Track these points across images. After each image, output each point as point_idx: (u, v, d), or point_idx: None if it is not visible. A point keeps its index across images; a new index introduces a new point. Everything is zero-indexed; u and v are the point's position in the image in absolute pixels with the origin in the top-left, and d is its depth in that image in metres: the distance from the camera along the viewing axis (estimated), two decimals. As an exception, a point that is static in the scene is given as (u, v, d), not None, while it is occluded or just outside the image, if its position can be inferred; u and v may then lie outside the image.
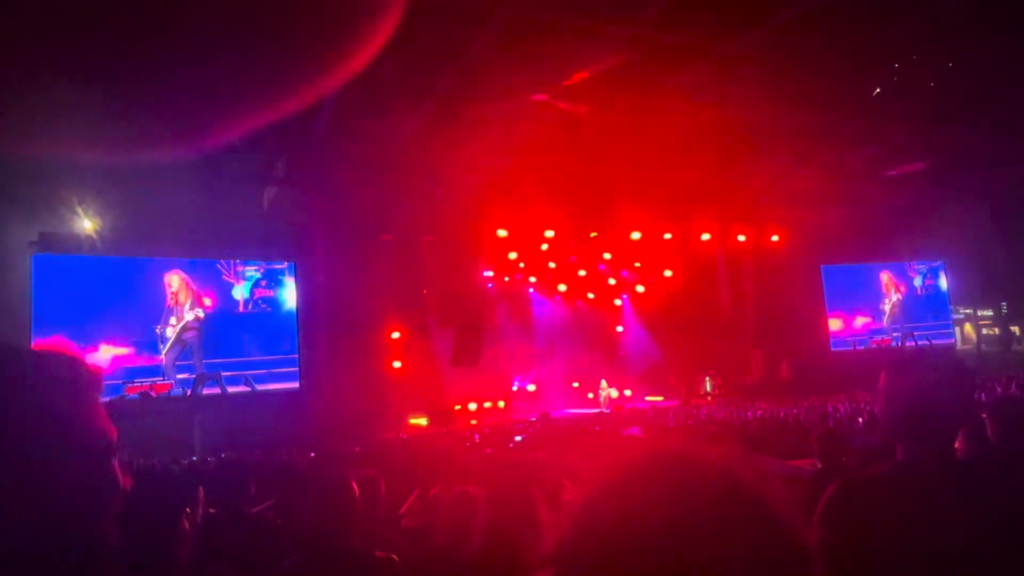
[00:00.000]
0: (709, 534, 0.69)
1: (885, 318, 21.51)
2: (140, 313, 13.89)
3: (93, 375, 0.97)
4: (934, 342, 19.97)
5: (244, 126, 10.77)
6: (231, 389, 14.17)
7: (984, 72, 11.41)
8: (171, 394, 13.72)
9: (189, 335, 14.25)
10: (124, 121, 9.76)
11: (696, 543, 0.69)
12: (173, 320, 14.18)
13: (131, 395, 13.34)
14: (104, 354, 13.38)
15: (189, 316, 14.33)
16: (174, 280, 14.34)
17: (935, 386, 1.63)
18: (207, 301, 14.58)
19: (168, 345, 14.03)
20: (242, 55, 9.28)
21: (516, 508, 2.23)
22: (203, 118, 10.30)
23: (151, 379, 13.72)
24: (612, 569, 0.69)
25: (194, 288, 14.51)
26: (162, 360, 13.97)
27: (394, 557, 2.42)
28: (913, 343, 19.95)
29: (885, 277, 21.78)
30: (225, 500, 3.18)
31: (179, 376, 13.98)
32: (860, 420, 9.03)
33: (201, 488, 2.40)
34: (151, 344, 13.92)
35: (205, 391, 11.93)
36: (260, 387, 14.58)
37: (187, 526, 2.35)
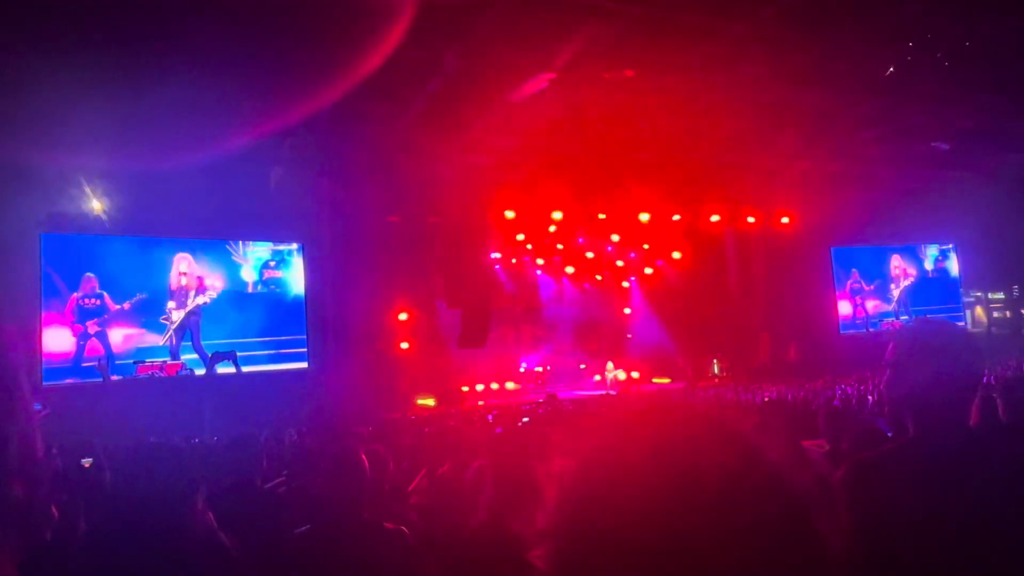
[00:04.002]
0: (699, 483, 0.68)
1: (895, 301, 21.39)
2: (149, 293, 13.96)
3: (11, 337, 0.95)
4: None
5: (257, 124, 10.80)
6: (244, 369, 14.22)
7: (998, 51, 11.24)
8: (180, 374, 13.82)
9: (194, 318, 14.30)
10: (137, 115, 9.78)
11: (688, 494, 0.67)
12: (175, 303, 14.20)
13: (142, 375, 13.46)
14: (115, 335, 13.49)
15: (199, 299, 14.39)
16: (183, 263, 14.38)
17: (943, 356, 1.62)
18: (216, 283, 14.63)
19: (175, 326, 14.10)
20: (257, 51, 9.24)
21: (519, 482, 2.25)
22: (214, 116, 10.30)
23: (161, 359, 13.83)
24: (608, 537, 0.68)
25: (203, 270, 14.55)
26: (172, 340, 14.04)
27: (403, 528, 2.45)
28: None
29: (896, 260, 21.64)
30: (238, 475, 3.23)
31: (184, 357, 14.06)
32: (869, 399, 9.02)
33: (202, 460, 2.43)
34: (160, 325, 14.01)
35: (218, 371, 12.00)
36: (269, 368, 14.64)
37: (199, 500, 2.38)
